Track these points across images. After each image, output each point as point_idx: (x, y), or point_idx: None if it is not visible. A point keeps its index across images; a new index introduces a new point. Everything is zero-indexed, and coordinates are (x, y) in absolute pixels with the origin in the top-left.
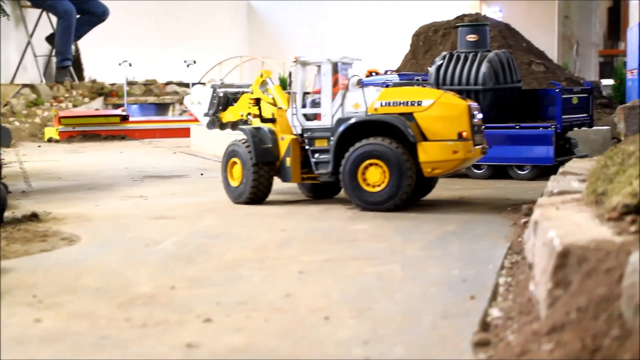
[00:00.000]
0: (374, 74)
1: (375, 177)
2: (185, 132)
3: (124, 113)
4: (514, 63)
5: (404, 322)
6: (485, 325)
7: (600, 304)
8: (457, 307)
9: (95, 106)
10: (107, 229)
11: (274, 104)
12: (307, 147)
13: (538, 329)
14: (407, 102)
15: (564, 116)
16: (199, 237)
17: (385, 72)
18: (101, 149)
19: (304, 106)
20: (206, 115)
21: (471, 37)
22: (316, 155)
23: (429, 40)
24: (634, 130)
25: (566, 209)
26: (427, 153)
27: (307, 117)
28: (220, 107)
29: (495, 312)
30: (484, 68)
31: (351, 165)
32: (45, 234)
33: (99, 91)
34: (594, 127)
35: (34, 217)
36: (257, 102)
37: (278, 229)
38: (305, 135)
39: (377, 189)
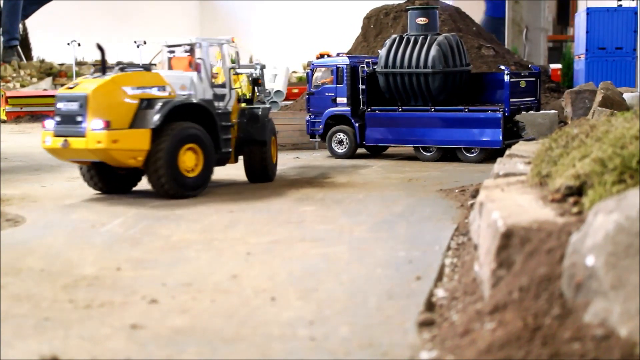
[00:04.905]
0: (325, 56)
1: None
2: None
3: None
4: (463, 47)
5: (349, 302)
6: (430, 306)
7: (542, 284)
8: (403, 287)
9: (44, 86)
10: (53, 210)
11: None
12: None
13: (481, 309)
14: None
15: (512, 100)
16: (146, 218)
17: (337, 55)
18: None
19: None
20: None
21: (421, 20)
22: None
23: (380, 23)
24: (581, 114)
25: (511, 190)
26: None
27: None
28: None
29: (440, 293)
30: (433, 51)
31: None
32: None
33: (48, 71)
34: (542, 111)
35: None
36: None
37: (226, 210)
38: None
39: None
